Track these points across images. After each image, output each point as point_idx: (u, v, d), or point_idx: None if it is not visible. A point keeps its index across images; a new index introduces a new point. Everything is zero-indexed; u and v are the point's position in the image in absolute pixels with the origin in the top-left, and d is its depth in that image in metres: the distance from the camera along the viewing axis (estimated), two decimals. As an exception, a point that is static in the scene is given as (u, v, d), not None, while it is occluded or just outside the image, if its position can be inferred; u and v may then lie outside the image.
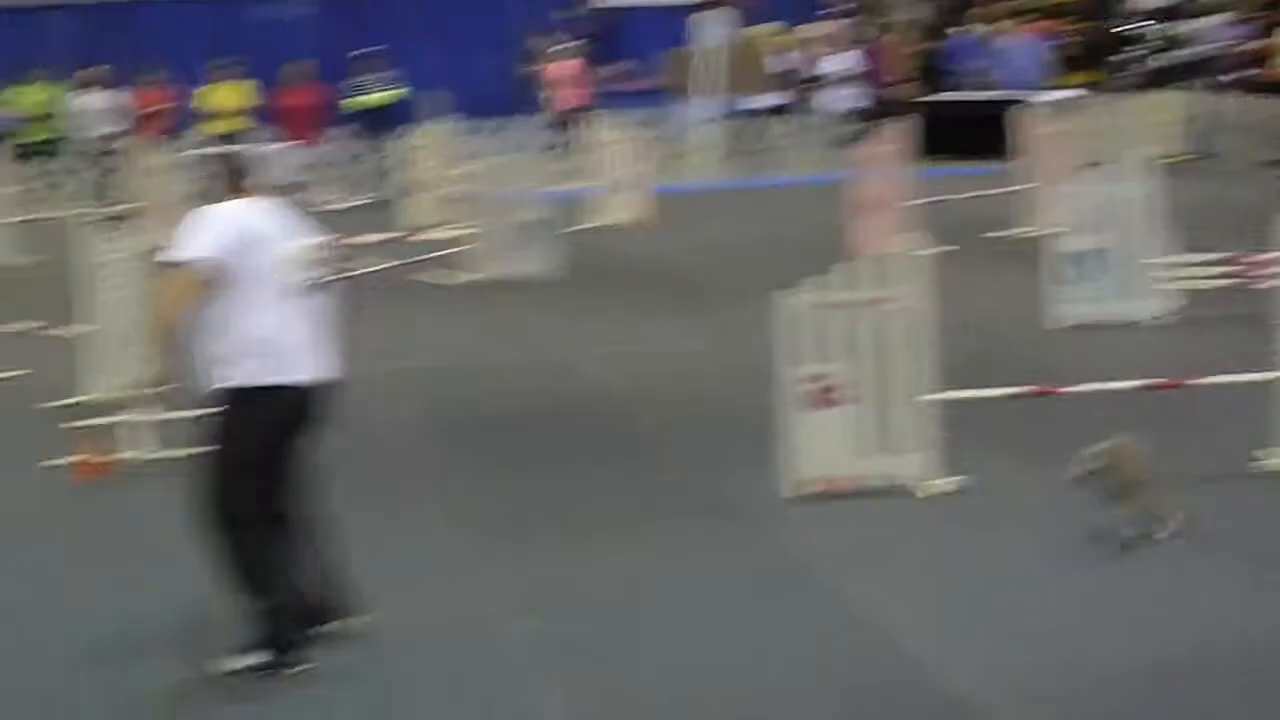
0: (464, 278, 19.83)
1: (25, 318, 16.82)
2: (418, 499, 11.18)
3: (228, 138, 29.01)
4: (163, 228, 25.23)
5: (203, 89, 30.38)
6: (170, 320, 7.92)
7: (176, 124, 30.23)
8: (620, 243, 23.62)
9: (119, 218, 21.91)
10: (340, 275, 8.86)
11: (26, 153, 29.09)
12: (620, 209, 25.20)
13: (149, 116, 29.73)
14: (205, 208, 7.97)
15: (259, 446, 7.89)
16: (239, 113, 29.88)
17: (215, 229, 7.80)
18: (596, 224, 24.73)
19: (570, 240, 21.80)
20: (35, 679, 8.21)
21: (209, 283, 7.70)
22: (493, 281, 19.72)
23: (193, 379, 8.01)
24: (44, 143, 29.53)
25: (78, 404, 13.61)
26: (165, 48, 33.31)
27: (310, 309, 8.05)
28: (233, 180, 8.14)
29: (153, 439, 12.06)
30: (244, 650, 7.86)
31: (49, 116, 29.81)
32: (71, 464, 11.83)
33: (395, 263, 20.45)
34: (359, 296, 19.24)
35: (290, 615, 7.88)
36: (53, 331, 16.00)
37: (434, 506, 11.03)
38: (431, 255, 20.77)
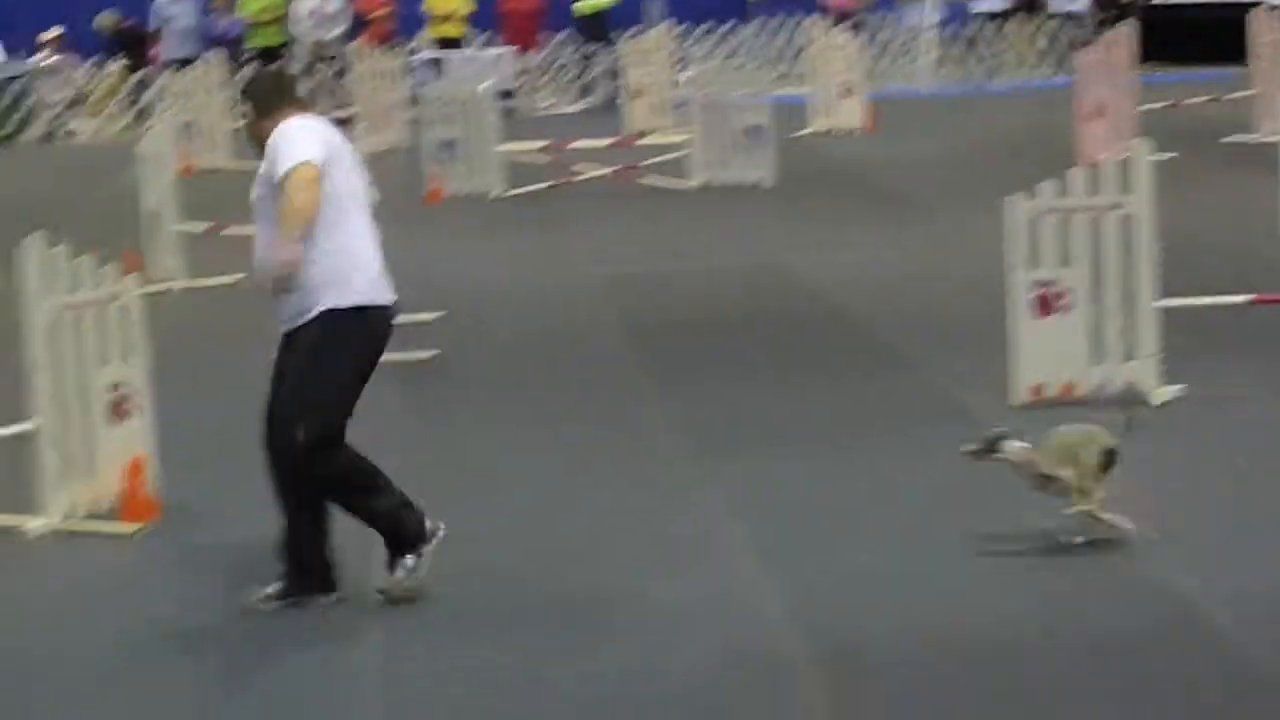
0: (685, 183, 19.89)
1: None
2: (635, 405, 11.33)
3: (450, 42, 29.50)
4: (383, 132, 25.79)
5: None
6: (308, 215, 7.72)
7: (400, 29, 30.67)
8: (841, 148, 23.59)
9: (345, 121, 22.26)
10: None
11: (254, 58, 29.61)
12: (842, 114, 25.12)
13: (372, 21, 30.12)
14: (293, 123, 7.87)
15: (361, 369, 7.92)
16: (461, 17, 30.28)
17: (311, 138, 7.75)
18: (817, 129, 24.73)
19: (791, 146, 21.80)
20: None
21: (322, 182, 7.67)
22: (713, 186, 19.81)
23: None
24: (271, 48, 29.99)
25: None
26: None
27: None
28: (285, 97, 8.13)
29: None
30: (394, 561, 7.93)
31: (276, 21, 30.31)
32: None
33: (616, 167, 20.53)
34: (581, 202, 19.57)
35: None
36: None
37: (652, 412, 11.19)
38: (652, 160, 20.82)
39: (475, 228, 19.03)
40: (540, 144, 21.30)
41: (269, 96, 8.12)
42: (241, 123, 8.72)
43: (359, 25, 30.09)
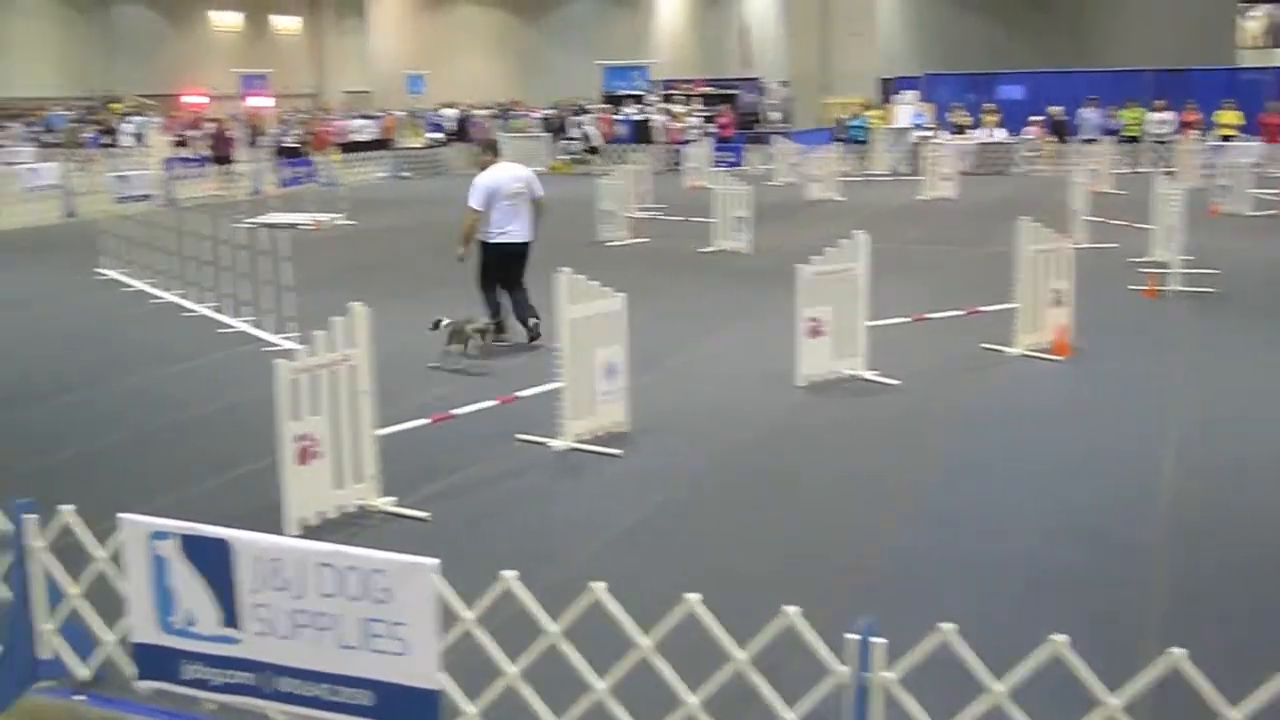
0: None
1: (1120, 219, 23.38)
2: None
3: (1227, 138, 38.92)
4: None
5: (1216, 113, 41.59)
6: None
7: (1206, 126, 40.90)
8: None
9: (1169, 173, 28.75)
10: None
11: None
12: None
13: (1188, 125, 41.26)
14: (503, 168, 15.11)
15: None
16: (1234, 125, 41.08)
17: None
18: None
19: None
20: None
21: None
22: None
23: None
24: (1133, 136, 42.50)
25: (1144, 260, 19.75)
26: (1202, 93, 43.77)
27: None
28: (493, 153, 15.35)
29: (1178, 280, 17.56)
30: (531, 326, 15.36)
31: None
32: (1141, 290, 17.53)
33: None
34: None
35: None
36: (1134, 225, 22.59)
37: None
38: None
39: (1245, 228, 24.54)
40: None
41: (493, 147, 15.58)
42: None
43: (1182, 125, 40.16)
